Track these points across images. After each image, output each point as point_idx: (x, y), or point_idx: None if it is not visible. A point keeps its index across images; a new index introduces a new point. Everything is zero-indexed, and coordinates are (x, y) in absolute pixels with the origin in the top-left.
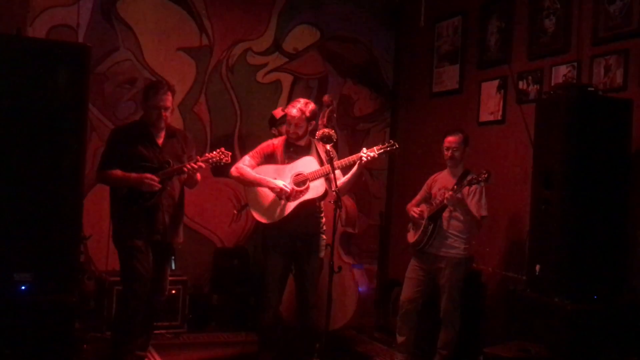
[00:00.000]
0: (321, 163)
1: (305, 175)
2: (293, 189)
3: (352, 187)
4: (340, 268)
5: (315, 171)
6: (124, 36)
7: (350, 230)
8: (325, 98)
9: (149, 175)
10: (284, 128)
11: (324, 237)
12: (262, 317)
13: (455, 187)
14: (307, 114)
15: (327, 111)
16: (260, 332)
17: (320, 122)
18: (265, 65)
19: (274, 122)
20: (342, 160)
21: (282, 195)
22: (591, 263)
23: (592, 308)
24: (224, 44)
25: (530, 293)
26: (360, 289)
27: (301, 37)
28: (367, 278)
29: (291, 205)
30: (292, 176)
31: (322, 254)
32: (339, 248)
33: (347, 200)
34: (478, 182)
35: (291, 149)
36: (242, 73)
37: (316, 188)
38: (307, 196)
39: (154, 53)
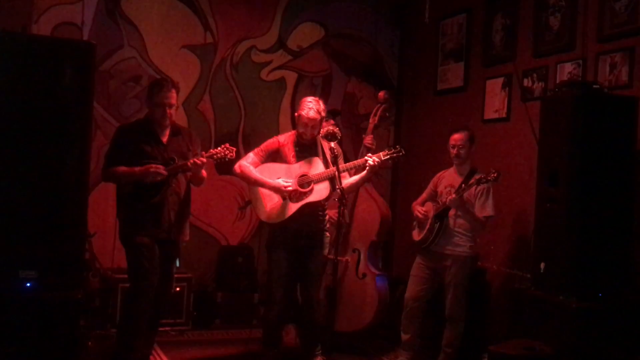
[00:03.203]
0: (325, 161)
1: (309, 177)
2: (296, 189)
3: (358, 188)
4: (364, 275)
5: (319, 173)
6: (128, 34)
7: (381, 239)
8: (381, 94)
9: (153, 164)
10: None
11: (328, 234)
12: (266, 314)
13: (462, 185)
14: (323, 113)
15: (381, 108)
16: (265, 329)
17: (371, 119)
18: (269, 62)
19: None
20: (347, 163)
21: (283, 194)
22: (596, 261)
23: (598, 306)
24: (228, 42)
25: (535, 291)
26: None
27: (305, 34)
28: (388, 290)
29: (294, 207)
30: (297, 177)
31: (326, 251)
32: (368, 257)
33: (385, 209)
34: (487, 182)
35: (297, 147)
36: (246, 71)
37: (319, 191)
38: (310, 199)
39: (158, 51)
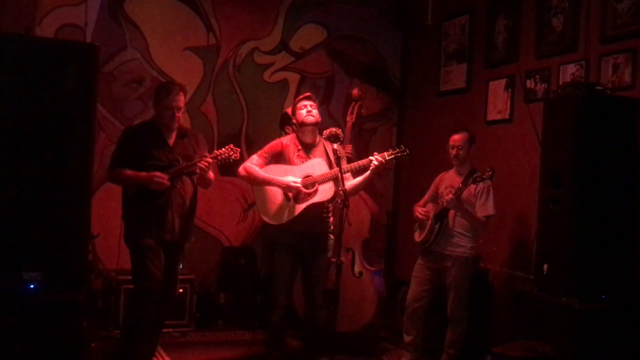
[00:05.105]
0: (329, 163)
1: (314, 177)
2: (301, 189)
3: (361, 190)
4: (361, 273)
5: (323, 174)
6: (131, 35)
7: (372, 235)
8: (355, 91)
9: (157, 173)
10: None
11: (332, 236)
12: (270, 316)
13: (461, 185)
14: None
15: (357, 106)
16: (268, 331)
17: (348, 117)
18: (272, 64)
19: (288, 121)
20: (351, 164)
21: (291, 191)
22: (599, 262)
23: (600, 308)
24: (231, 43)
25: (537, 292)
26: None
27: (308, 36)
28: (384, 286)
29: (298, 208)
30: (301, 178)
31: (329, 254)
32: (362, 255)
33: (374, 206)
34: (483, 180)
35: (300, 149)
36: (249, 72)
37: (324, 192)
38: (315, 199)
39: (161, 52)
